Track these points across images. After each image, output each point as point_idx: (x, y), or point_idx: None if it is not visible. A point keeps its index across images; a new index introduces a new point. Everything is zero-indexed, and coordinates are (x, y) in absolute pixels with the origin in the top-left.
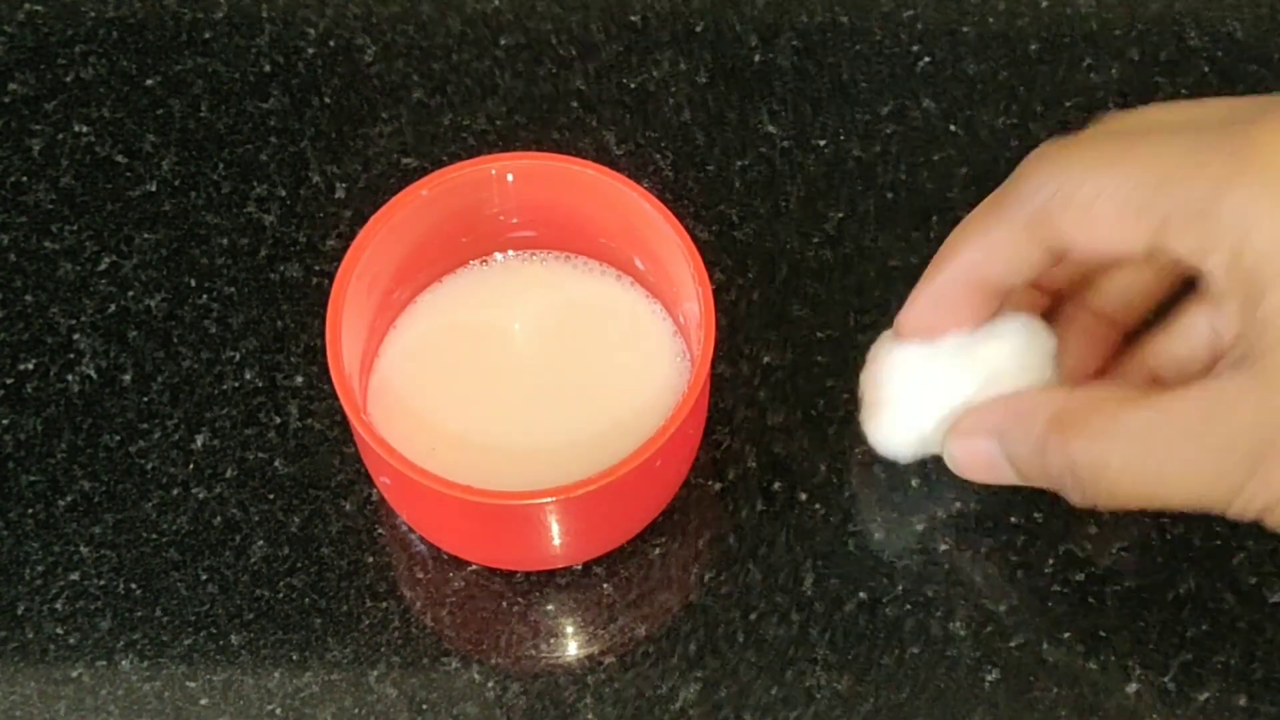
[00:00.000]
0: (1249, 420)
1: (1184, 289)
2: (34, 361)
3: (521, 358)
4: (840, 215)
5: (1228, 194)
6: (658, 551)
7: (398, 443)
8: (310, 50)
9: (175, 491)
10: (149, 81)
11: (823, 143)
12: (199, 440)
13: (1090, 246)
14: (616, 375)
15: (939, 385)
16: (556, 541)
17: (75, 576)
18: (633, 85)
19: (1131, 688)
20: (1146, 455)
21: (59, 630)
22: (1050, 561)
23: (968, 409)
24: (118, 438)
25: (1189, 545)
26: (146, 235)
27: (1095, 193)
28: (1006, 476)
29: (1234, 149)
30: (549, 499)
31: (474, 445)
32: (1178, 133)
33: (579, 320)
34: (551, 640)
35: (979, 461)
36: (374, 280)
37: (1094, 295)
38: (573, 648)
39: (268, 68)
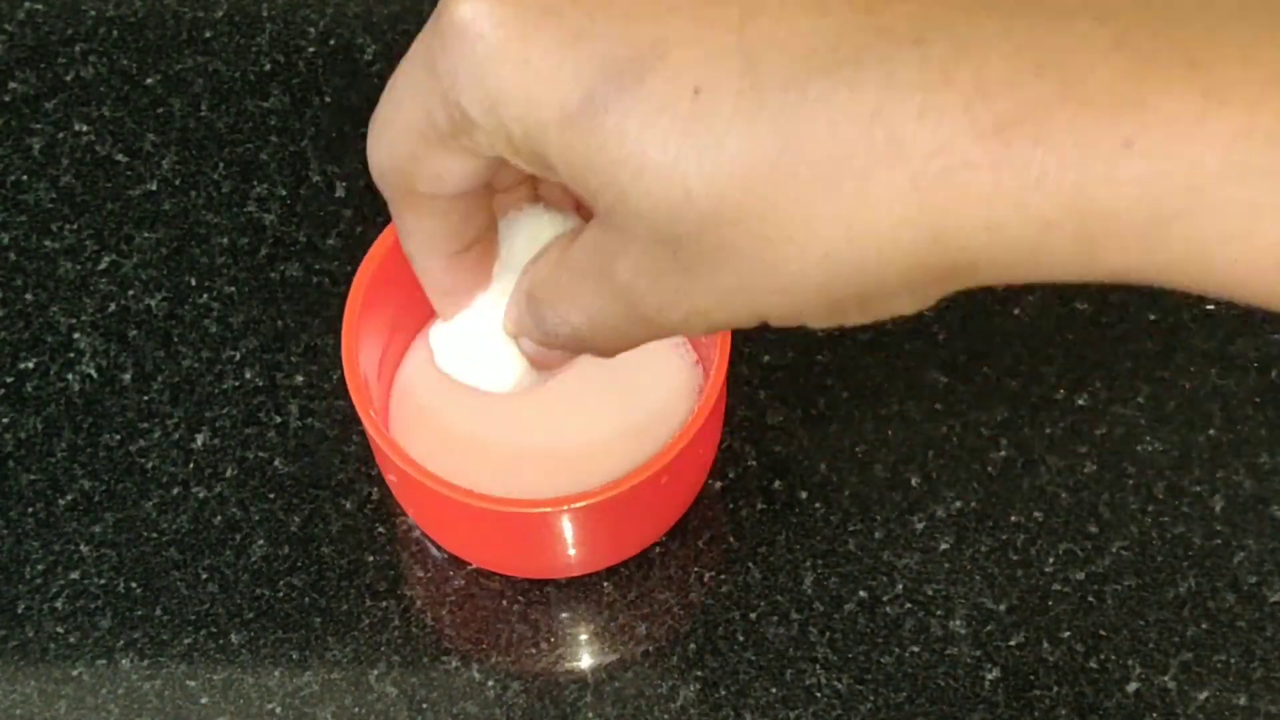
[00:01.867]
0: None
1: None
2: (34, 361)
3: None
4: None
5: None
6: (658, 551)
7: (419, 447)
8: (310, 50)
9: (175, 491)
10: (149, 80)
11: None
12: (199, 439)
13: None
14: (627, 381)
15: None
16: (572, 551)
17: (75, 575)
18: None
19: (1131, 688)
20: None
21: (59, 629)
22: (1050, 561)
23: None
24: (118, 437)
25: (1189, 545)
26: (147, 234)
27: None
28: (566, 354)
29: None
30: (548, 509)
31: (492, 450)
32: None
33: None
34: (551, 640)
35: (551, 356)
36: (398, 282)
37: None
38: (573, 647)
39: (268, 67)
